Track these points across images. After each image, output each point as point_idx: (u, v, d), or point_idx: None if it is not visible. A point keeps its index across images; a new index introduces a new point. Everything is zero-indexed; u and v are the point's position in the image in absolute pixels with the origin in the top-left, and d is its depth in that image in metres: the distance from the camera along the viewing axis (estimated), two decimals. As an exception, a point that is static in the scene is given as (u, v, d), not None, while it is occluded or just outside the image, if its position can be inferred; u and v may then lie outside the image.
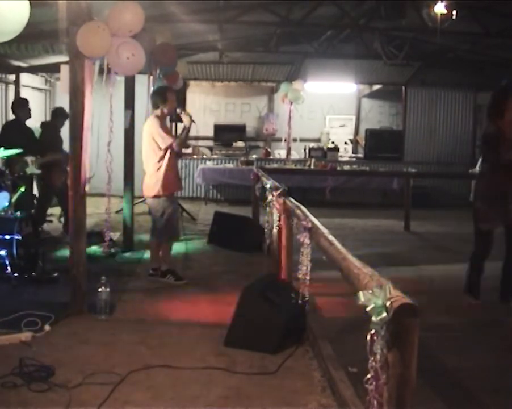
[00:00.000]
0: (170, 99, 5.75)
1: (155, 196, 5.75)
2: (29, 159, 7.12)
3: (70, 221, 4.80)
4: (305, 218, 4.15)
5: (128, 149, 7.32)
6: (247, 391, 3.47)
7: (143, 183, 5.87)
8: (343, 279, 2.77)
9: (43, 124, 8.30)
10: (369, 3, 8.75)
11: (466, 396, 3.63)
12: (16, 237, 5.50)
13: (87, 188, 4.75)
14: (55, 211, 8.76)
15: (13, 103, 8.16)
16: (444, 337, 4.50)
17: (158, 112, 5.74)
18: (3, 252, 5.43)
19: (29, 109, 7.61)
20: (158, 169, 5.69)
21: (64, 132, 6.26)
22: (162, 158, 5.69)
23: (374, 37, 10.20)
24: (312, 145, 12.82)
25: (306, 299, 4.35)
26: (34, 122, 8.16)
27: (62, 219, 8.26)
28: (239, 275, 6.10)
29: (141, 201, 10.41)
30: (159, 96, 5.76)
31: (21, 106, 7.65)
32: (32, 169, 7.19)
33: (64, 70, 4.72)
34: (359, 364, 2.43)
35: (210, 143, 13.13)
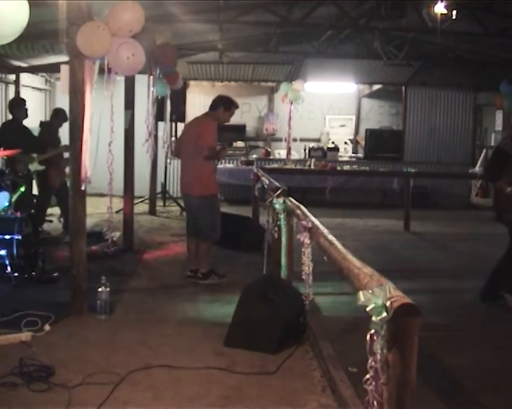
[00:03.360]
0: (230, 112, 5.83)
1: (203, 196, 5.73)
2: (31, 157, 7.13)
3: (70, 221, 4.80)
4: (305, 218, 4.15)
5: (128, 149, 7.33)
6: (247, 391, 3.47)
7: (188, 180, 5.80)
8: (343, 279, 2.77)
9: (42, 123, 8.29)
10: (369, 3, 8.74)
11: (466, 396, 3.63)
12: (16, 237, 5.49)
13: (85, 188, 4.74)
14: (55, 211, 8.76)
15: (10, 102, 8.16)
16: (444, 337, 4.50)
17: (215, 114, 5.77)
18: (3, 252, 5.42)
19: (26, 109, 7.60)
20: (205, 168, 5.66)
21: (65, 132, 6.26)
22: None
23: (374, 37, 10.19)
24: (312, 145, 12.82)
25: (307, 298, 4.36)
26: (33, 122, 8.15)
27: (62, 219, 8.26)
28: (239, 275, 6.10)
29: (141, 201, 10.43)
30: (225, 102, 5.81)
31: (18, 106, 7.64)
32: (35, 166, 7.20)
33: (64, 70, 4.71)
34: (359, 364, 2.42)
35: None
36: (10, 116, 7.94)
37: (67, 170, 7.82)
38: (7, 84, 10.34)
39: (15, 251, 5.46)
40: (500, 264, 5.28)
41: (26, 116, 7.61)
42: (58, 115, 8.02)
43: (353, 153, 13.74)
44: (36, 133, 7.89)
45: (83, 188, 4.67)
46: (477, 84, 12.31)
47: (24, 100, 7.78)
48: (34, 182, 7.86)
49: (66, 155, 7.89)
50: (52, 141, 7.73)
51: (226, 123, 6.03)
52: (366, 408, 2.15)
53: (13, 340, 4.02)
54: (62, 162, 7.59)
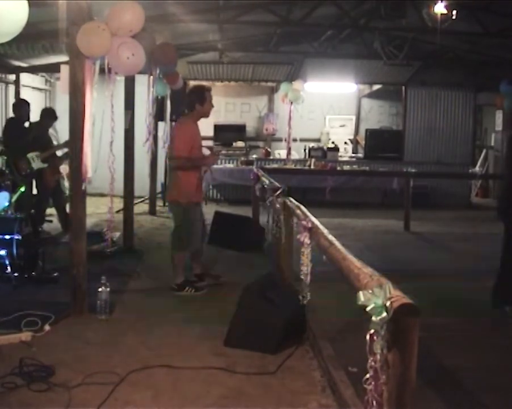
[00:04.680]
0: (208, 99, 5.45)
1: (176, 202, 5.47)
2: (34, 155, 7.13)
3: (70, 221, 4.79)
4: (305, 218, 4.15)
5: (128, 149, 7.33)
6: (247, 391, 3.48)
7: (168, 184, 5.57)
8: (343, 279, 2.77)
9: (30, 124, 8.24)
10: (369, 3, 8.73)
11: (466, 396, 3.63)
12: (16, 237, 5.49)
13: (85, 188, 4.74)
14: (55, 211, 8.75)
15: (14, 102, 8.18)
16: (444, 337, 4.50)
17: (194, 113, 5.47)
18: (3, 252, 5.43)
19: (28, 111, 7.59)
20: (184, 173, 5.39)
21: (64, 132, 6.26)
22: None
23: (374, 37, 10.19)
24: (312, 145, 12.81)
25: (306, 298, 4.35)
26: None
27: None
28: (239, 275, 6.09)
29: (141, 201, 10.44)
30: (196, 95, 5.45)
31: (19, 106, 7.66)
32: (37, 164, 7.20)
33: (65, 70, 4.72)
34: (359, 364, 2.42)
35: (210, 143, 13.12)
36: (9, 116, 7.96)
37: (63, 168, 7.84)
38: (7, 84, 10.35)
39: (15, 251, 5.46)
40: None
41: (27, 118, 7.60)
42: (46, 115, 7.90)
43: (353, 153, 13.74)
44: None
45: (83, 188, 4.67)
46: (477, 84, 12.31)
47: (27, 103, 7.77)
48: (34, 182, 7.87)
49: (59, 153, 7.89)
50: (41, 141, 7.65)
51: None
52: (366, 408, 2.15)
53: (13, 340, 4.02)
54: (56, 161, 7.56)
